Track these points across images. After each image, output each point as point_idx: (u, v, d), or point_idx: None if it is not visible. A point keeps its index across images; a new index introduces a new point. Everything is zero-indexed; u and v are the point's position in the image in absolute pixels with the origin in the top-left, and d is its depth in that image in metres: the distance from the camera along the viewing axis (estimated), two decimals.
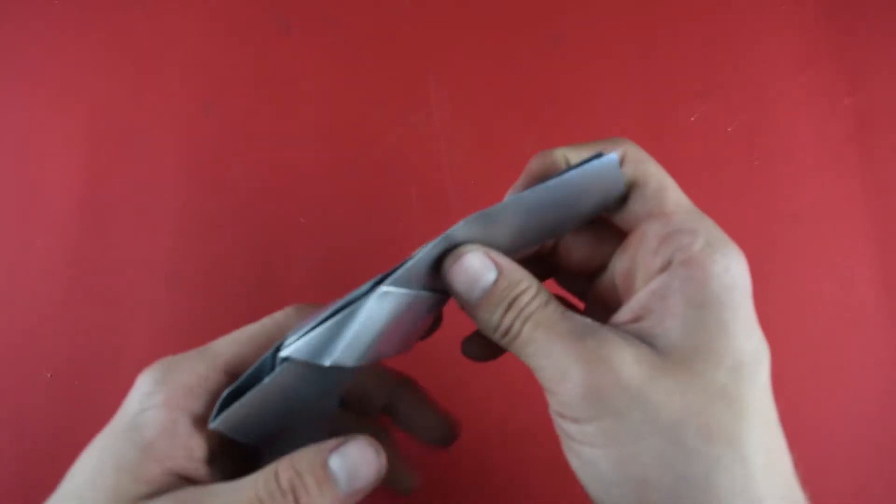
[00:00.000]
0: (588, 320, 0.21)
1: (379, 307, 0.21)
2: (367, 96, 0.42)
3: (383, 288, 0.21)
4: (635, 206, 0.23)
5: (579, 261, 0.25)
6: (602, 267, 0.25)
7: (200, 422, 0.21)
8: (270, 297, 0.38)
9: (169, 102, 0.41)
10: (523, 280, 0.22)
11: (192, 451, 0.21)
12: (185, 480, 0.21)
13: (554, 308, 0.21)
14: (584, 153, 0.23)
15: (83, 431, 0.37)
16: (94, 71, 0.42)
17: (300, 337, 0.21)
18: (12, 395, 0.37)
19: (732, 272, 0.20)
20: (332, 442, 0.21)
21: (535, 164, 0.24)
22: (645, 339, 0.20)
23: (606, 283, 0.25)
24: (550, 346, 0.20)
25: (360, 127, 0.41)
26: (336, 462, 0.20)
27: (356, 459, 0.21)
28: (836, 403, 0.37)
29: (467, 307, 0.22)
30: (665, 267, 0.21)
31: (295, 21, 0.43)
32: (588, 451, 0.20)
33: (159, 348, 0.37)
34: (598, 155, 0.22)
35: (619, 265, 0.23)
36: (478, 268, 0.22)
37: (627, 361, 0.19)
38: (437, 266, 0.22)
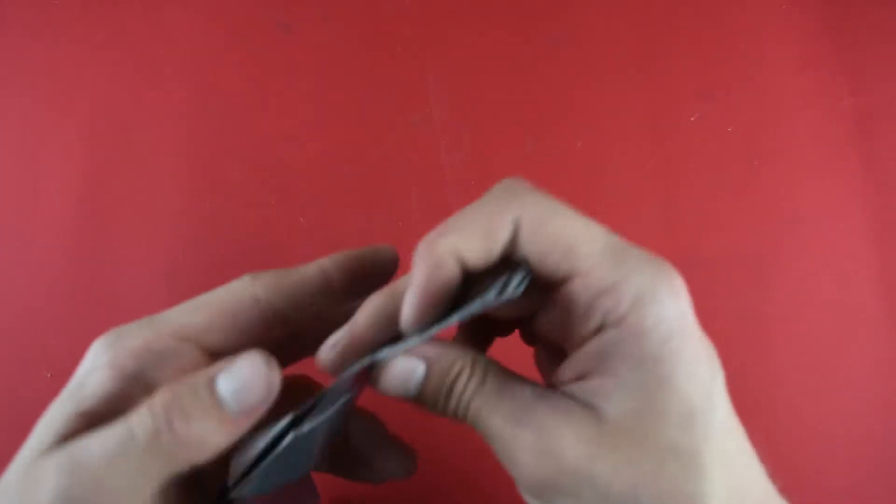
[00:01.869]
0: (528, 391, 0.20)
1: (301, 442, 0.20)
2: (367, 96, 0.42)
3: (302, 429, 0.20)
4: (550, 272, 0.20)
5: (517, 315, 0.24)
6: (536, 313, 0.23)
7: (147, 387, 0.20)
8: None
9: (169, 102, 0.41)
10: (453, 364, 0.21)
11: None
12: None
13: (490, 387, 0.20)
14: (474, 241, 0.20)
15: None
16: (94, 71, 0.42)
17: (240, 478, 0.20)
18: (12, 395, 0.37)
19: (666, 320, 0.19)
20: (221, 363, 0.19)
21: (424, 274, 0.20)
22: (589, 402, 0.19)
23: (547, 328, 0.23)
24: (494, 432, 0.20)
25: (360, 127, 0.41)
26: (223, 381, 0.19)
27: (245, 373, 0.19)
28: (836, 403, 0.37)
29: (413, 403, 0.22)
30: (597, 330, 0.20)
31: (295, 21, 0.43)
32: None
33: None
34: (503, 286, 0.20)
35: (552, 319, 0.22)
36: (404, 369, 0.21)
37: (570, 443, 0.19)
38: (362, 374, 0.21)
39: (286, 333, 0.23)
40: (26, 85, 0.42)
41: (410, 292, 0.20)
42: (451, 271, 0.20)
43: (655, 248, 0.42)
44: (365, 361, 0.21)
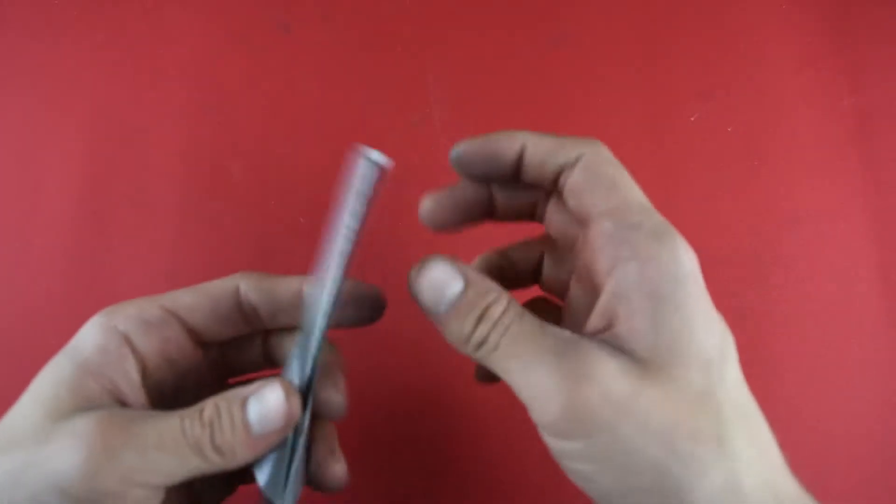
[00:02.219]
0: (566, 333, 0.20)
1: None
2: (367, 96, 0.42)
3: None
4: (587, 206, 0.22)
5: (556, 233, 0.25)
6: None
7: (135, 346, 0.23)
8: None
9: (169, 102, 0.41)
10: (491, 291, 0.21)
11: (127, 372, 0.22)
12: (124, 405, 0.22)
13: (530, 320, 0.21)
14: (546, 141, 0.23)
15: None
16: (94, 71, 0.42)
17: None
18: (12, 395, 0.37)
19: (682, 262, 0.20)
20: (252, 386, 0.22)
21: (497, 139, 0.24)
22: (619, 347, 0.20)
23: (577, 284, 0.25)
24: (532, 364, 0.20)
25: (360, 127, 0.41)
26: (253, 403, 0.22)
27: (269, 400, 0.22)
28: (836, 403, 0.37)
29: (436, 319, 0.22)
30: (617, 264, 0.21)
31: (295, 21, 0.43)
32: (583, 467, 0.20)
33: None
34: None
35: (580, 265, 0.23)
36: (443, 278, 0.21)
37: (612, 375, 0.19)
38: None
39: (259, 329, 0.26)
40: (26, 85, 0.42)
41: (480, 139, 0.25)
42: (510, 147, 0.23)
43: None
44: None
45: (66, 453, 0.20)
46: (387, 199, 0.40)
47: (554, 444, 0.20)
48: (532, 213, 0.26)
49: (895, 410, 0.37)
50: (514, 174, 0.24)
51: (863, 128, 0.41)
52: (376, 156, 0.23)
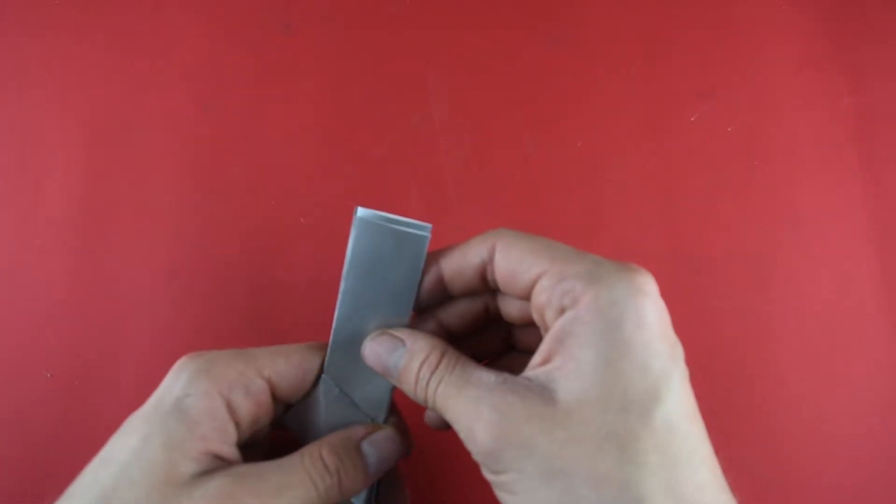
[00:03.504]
0: (492, 378, 0.22)
1: None
2: (367, 96, 0.42)
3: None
4: (522, 283, 0.23)
5: (518, 319, 0.26)
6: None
7: (234, 412, 0.24)
8: (270, 298, 0.38)
9: (169, 102, 0.41)
10: (423, 350, 0.24)
11: (228, 435, 0.23)
12: (223, 462, 0.23)
13: (460, 371, 0.23)
14: (454, 253, 0.25)
15: (83, 431, 0.38)
16: (94, 71, 0.42)
17: None
18: (12, 395, 0.37)
19: (620, 305, 0.20)
20: (360, 429, 0.25)
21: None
22: (546, 385, 0.21)
23: (530, 336, 0.27)
24: (457, 413, 0.22)
25: (360, 127, 0.41)
26: (367, 448, 0.25)
27: (384, 445, 0.25)
28: (836, 403, 0.37)
29: (393, 382, 0.25)
30: (560, 312, 0.22)
31: (295, 21, 0.43)
32: (504, 497, 0.21)
33: (159, 348, 0.37)
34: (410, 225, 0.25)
35: (534, 310, 0.24)
36: (383, 350, 0.25)
37: (519, 420, 0.20)
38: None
39: None
40: (26, 85, 0.42)
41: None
42: (433, 270, 0.25)
43: (655, 248, 0.42)
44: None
45: None
46: (387, 199, 0.40)
47: (484, 473, 0.22)
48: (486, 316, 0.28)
49: (895, 410, 0.37)
50: (444, 294, 0.26)
51: (863, 128, 0.41)
52: (417, 228, 0.25)
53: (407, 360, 0.24)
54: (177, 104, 0.41)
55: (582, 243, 0.40)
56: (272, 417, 0.26)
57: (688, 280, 0.39)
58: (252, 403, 0.24)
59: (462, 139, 0.41)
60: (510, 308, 0.26)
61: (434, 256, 0.26)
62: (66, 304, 0.38)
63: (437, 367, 0.23)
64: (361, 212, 0.25)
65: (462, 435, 0.22)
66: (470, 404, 0.22)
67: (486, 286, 0.25)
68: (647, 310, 0.21)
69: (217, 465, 0.23)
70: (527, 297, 0.24)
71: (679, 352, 0.22)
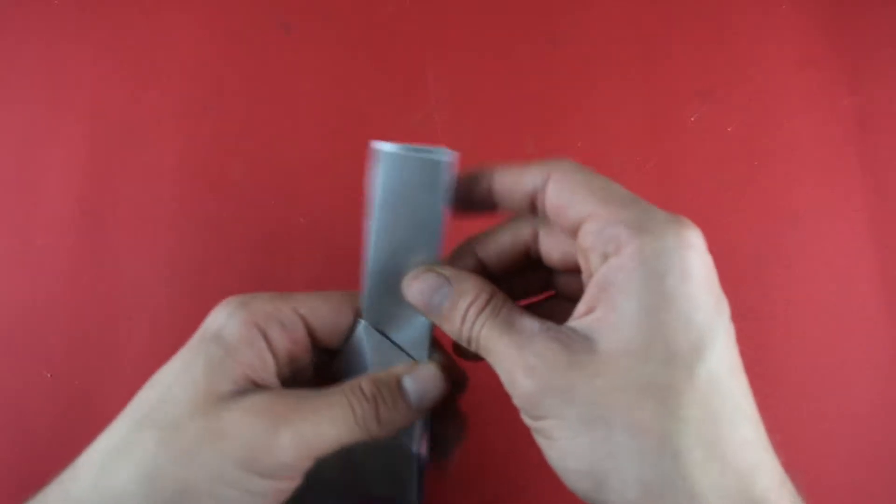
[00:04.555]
0: (535, 325, 0.22)
1: None
2: (367, 96, 0.42)
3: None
4: (571, 219, 0.23)
5: (559, 263, 0.26)
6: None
7: (271, 343, 0.24)
8: None
9: (169, 102, 0.41)
10: (468, 292, 0.24)
11: (266, 364, 0.24)
12: (262, 388, 0.24)
13: (504, 317, 0.23)
14: (511, 170, 0.25)
15: (83, 431, 0.37)
16: (94, 71, 0.42)
17: None
18: (12, 395, 0.37)
19: (665, 257, 0.20)
20: (401, 368, 0.25)
21: (465, 183, 0.26)
22: (588, 335, 0.21)
23: (572, 279, 0.26)
24: (500, 356, 0.22)
25: (360, 127, 0.41)
26: (409, 382, 0.25)
27: (426, 380, 0.25)
28: (836, 403, 0.37)
29: (435, 321, 0.25)
30: (605, 258, 0.21)
31: (295, 21, 0.43)
32: (545, 442, 0.21)
33: (159, 348, 0.37)
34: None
35: (580, 261, 0.24)
36: (428, 289, 0.24)
37: (561, 367, 0.20)
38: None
39: None
40: (26, 85, 0.42)
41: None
42: (486, 179, 0.25)
43: None
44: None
45: (246, 427, 0.21)
46: None
47: (524, 419, 0.22)
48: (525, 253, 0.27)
49: (895, 410, 0.37)
50: (491, 206, 0.26)
51: (863, 128, 0.41)
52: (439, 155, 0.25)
53: (453, 299, 0.24)
54: (177, 104, 0.41)
55: None
56: (311, 358, 0.26)
57: None
58: (287, 338, 0.24)
59: (462, 139, 0.41)
60: (552, 251, 0.26)
61: (489, 169, 0.25)
62: (66, 303, 0.38)
63: (483, 308, 0.23)
64: (384, 146, 0.24)
65: (503, 378, 0.22)
66: (513, 349, 0.22)
67: (534, 211, 0.25)
68: (693, 262, 0.21)
69: (256, 389, 0.23)
70: (574, 234, 0.23)
71: (724, 306, 0.21)
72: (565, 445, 0.20)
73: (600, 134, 0.41)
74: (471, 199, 0.26)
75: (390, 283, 0.25)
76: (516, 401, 0.22)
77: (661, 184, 0.40)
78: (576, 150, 0.41)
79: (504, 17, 0.43)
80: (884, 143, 0.41)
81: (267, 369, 0.24)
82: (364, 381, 0.24)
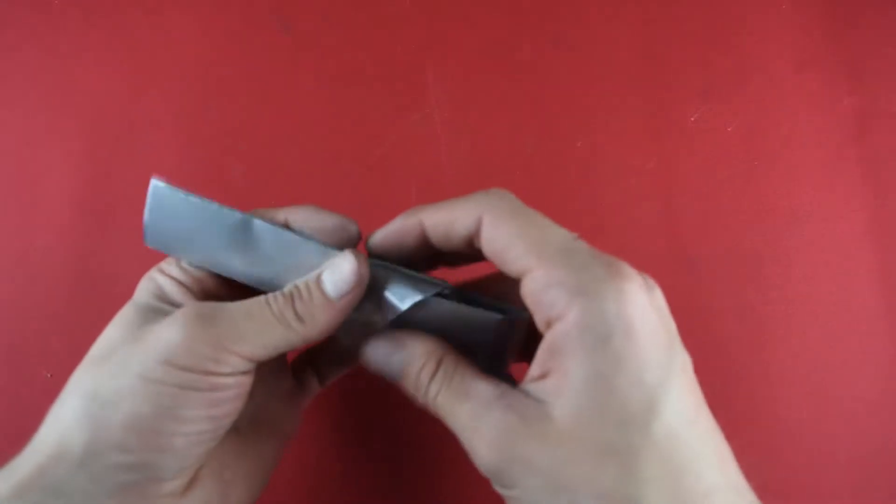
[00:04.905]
0: (490, 390, 0.22)
1: None
2: (367, 96, 0.42)
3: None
4: (510, 264, 0.23)
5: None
6: None
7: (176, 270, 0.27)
8: None
9: (169, 102, 0.41)
10: (421, 356, 0.24)
11: (177, 284, 0.26)
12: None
13: (458, 384, 0.23)
14: (440, 214, 0.24)
15: None
16: (94, 71, 0.42)
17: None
18: (12, 395, 0.37)
19: (606, 318, 0.20)
20: (326, 263, 0.25)
21: (399, 224, 0.26)
22: (546, 400, 0.21)
23: None
24: (458, 426, 0.22)
25: (360, 127, 0.41)
26: (326, 274, 0.24)
27: (343, 270, 0.24)
28: (836, 403, 0.37)
29: (398, 384, 0.25)
30: (548, 324, 0.21)
31: (295, 21, 0.43)
32: None
33: None
34: (495, 313, 0.24)
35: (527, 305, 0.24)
36: (383, 355, 0.25)
37: (519, 438, 0.20)
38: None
39: None
40: (26, 85, 0.42)
41: (385, 228, 0.26)
42: (413, 228, 0.25)
43: (655, 247, 0.42)
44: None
45: (165, 330, 0.22)
46: (387, 199, 0.40)
47: (494, 486, 0.22)
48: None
49: (895, 410, 0.37)
50: (429, 250, 0.26)
51: (863, 128, 0.41)
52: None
53: (405, 364, 0.24)
54: (177, 104, 0.41)
55: None
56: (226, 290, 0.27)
57: (687, 280, 0.39)
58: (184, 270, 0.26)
59: (462, 139, 0.41)
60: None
61: (417, 214, 0.25)
62: (67, 304, 0.38)
63: (434, 373, 0.23)
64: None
65: (465, 446, 0.22)
66: (470, 420, 0.22)
67: (470, 250, 0.25)
68: (635, 319, 0.20)
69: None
70: (516, 279, 0.23)
71: (677, 349, 0.21)
72: None
73: (600, 134, 0.41)
74: (405, 250, 0.26)
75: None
76: (481, 469, 0.22)
77: (661, 184, 0.40)
78: (576, 150, 0.41)
79: (504, 17, 0.43)
80: (884, 143, 0.41)
81: (172, 290, 0.25)
82: (288, 285, 0.25)
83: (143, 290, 0.26)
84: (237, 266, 0.25)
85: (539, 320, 0.22)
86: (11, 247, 0.39)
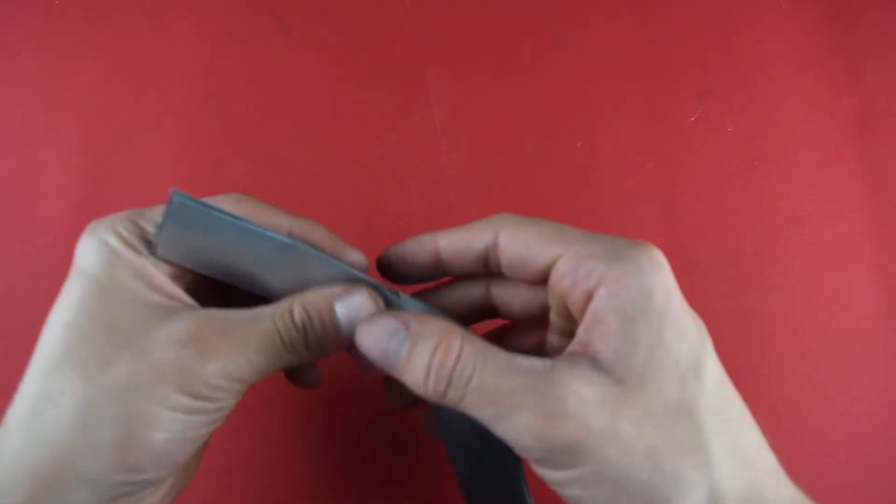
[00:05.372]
0: (537, 363, 0.20)
1: None
2: (367, 96, 0.42)
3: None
4: (532, 269, 0.23)
5: (520, 312, 0.26)
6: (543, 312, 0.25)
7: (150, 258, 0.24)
8: None
9: (169, 102, 0.41)
10: (437, 333, 0.21)
11: (159, 277, 0.23)
12: (179, 308, 0.23)
13: (494, 361, 0.20)
14: (456, 235, 0.25)
15: None
16: (94, 71, 0.42)
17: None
18: (12, 395, 0.37)
19: (646, 276, 0.20)
20: (337, 289, 0.23)
21: (413, 244, 0.26)
22: (600, 368, 0.20)
23: (555, 316, 0.25)
24: (510, 410, 0.19)
25: (360, 127, 0.41)
26: (341, 308, 0.23)
27: (358, 307, 0.23)
28: (836, 403, 0.37)
29: (394, 374, 0.22)
30: (588, 294, 0.21)
31: (295, 21, 0.43)
32: (576, 493, 0.20)
33: None
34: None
35: (554, 294, 0.23)
36: (383, 332, 0.22)
37: (589, 406, 0.19)
38: None
39: None
40: (26, 84, 0.42)
41: (397, 246, 0.26)
42: (426, 247, 0.25)
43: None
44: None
45: (173, 357, 0.21)
46: (387, 199, 0.40)
47: (545, 473, 0.20)
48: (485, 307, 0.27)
49: (895, 410, 0.37)
50: (440, 272, 0.26)
51: (863, 128, 0.41)
52: None
53: (411, 345, 0.21)
54: (177, 104, 0.41)
55: None
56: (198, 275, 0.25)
57: (687, 280, 0.39)
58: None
59: (462, 139, 0.41)
60: (512, 303, 0.26)
61: (433, 235, 0.25)
62: None
63: (459, 355, 0.20)
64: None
65: (514, 434, 0.19)
66: (526, 397, 0.19)
67: (486, 271, 0.25)
68: (668, 278, 0.21)
69: (175, 309, 0.22)
70: (538, 281, 0.23)
71: (697, 317, 0.22)
72: (610, 489, 0.19)
73: (600, 134, 0.41)
74: (416, 267, 0.26)
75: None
76: (537, 454, 0.20)
77: (661, 184, 0.40)
78: (576, 150, 0.41)
79: (504, 17, 0.43)
80: (884, 143, 0.41)
81: (164, 280, 0.23)
82: (296, 306, 0.23)
83: (111, 266, 0.23)
84: (257, 280, 0.24)
85: (575, 300, 0.21)
86: (11, 247, 0.39)
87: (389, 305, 0.25)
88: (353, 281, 0.24)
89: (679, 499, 0.19)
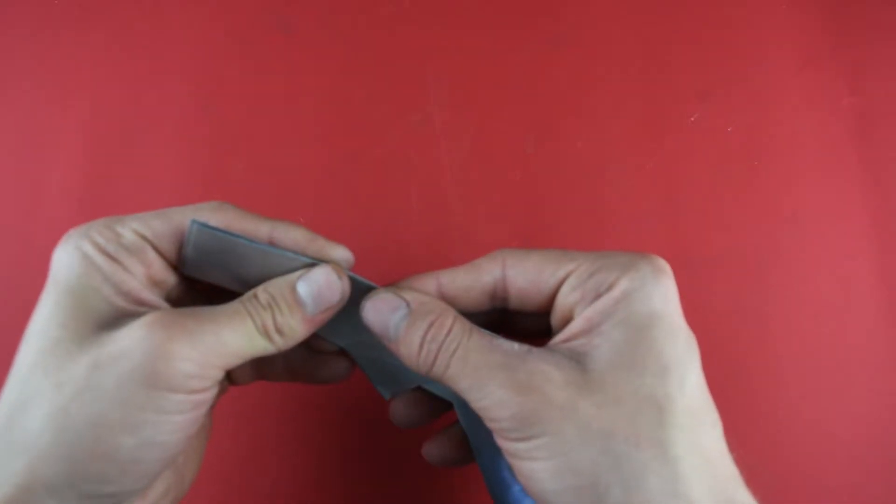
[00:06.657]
0: (514, 345, 0.22)
1: None
2: (367, 96, 0.42)
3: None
4: (545, 288, 0.24)
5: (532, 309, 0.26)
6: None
7: (127, 263, 0.23)
8: None
9: (169, 102, 0.41)
10: (432, 312, 0.23)
11: (132, 279, 0.23)
12: (148, 307, 0.23)
13: (478, 339, 0.22)
14: (460, 274, 0.25)
15: None
16: (94, 71, 0.42)
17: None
18: None
19: (648, 282, 0.22)
20: (299, 272, 0.24)
21: (415, 286, 0.26)
22: (575, 357, 0.22)
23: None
24: (484, 381, 0.21)
25: (360, 127, 0.41)
26: (303, 287, 0.23)
27: (320, 284, 0.24)
28: (836, 403, 0.37)
29: (390, 347, 0.24)
30: (589, 303, 0.22)
31: (295, 21, 0.43)
32: (529, 465, 0.21)
33: None
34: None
35: (558, 312, 0.24)
36: (386, 306, 0.23)
37: (557, 384, 0.21)
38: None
39: None
40: (26, 85, 0.42)
41: (399, 284, 0.26)
42: (428, 286, 0.25)
43: (655, 248, 0.42)
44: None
45: (137, 343, 0.20)
46: (387, 199, 0.40)
47: (505, 444, 0.22)
48: None
49: (895, 410, 0.37)
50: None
51: (863, 128, 0.41)
52: None
53: (410, 320, 0.23)
54: (177, 104, 0.41)
55: (582, 243, 0.40)
56: (176, 281, 0.25)
57: (687, 279, 0.39)
58: (138, 260, 0.23)
59: (462, 139, 0.41)
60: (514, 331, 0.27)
61: (434, 275, 0.25)
62: None
63: (450, 331, 0.22)
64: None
65: (485, 403, 0.21)
66: (499, 371, 0.21)
67: (491, 305, 0.26)
68: (670, 288, 0.22)
69: (142, 309, 0.22)
70: (545, 307, 0.24)
71: (691, 334, 0.23)
72: (560, 463, 0.20)
73: (600, 134, 0.41)
74: None
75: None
76: (503, 423, 0.21)
77: (661, 184, 0.40)
78: (576, 150, 0.41)
79: (504, 17, 0.43)
80: (884, 143, 0.41)
81: (136, 286, 0.23)
82: (260, 290, 0.23)
83: (84, 273, 0.23)
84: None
85: (583, 306, 0.23)
86: (11, 247, 0.39)
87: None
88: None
89: (627, 484, 0.19)
